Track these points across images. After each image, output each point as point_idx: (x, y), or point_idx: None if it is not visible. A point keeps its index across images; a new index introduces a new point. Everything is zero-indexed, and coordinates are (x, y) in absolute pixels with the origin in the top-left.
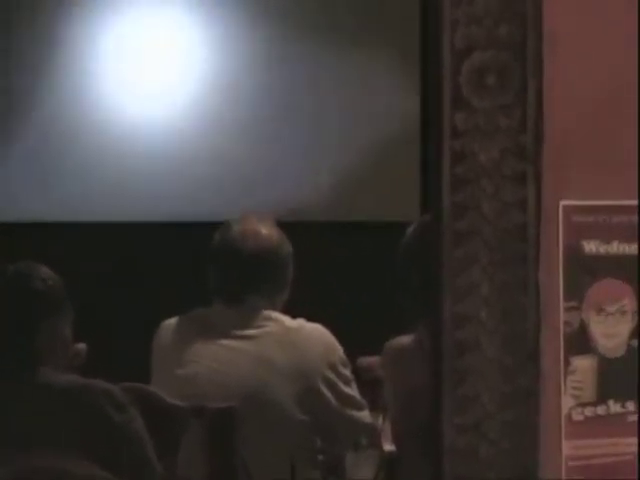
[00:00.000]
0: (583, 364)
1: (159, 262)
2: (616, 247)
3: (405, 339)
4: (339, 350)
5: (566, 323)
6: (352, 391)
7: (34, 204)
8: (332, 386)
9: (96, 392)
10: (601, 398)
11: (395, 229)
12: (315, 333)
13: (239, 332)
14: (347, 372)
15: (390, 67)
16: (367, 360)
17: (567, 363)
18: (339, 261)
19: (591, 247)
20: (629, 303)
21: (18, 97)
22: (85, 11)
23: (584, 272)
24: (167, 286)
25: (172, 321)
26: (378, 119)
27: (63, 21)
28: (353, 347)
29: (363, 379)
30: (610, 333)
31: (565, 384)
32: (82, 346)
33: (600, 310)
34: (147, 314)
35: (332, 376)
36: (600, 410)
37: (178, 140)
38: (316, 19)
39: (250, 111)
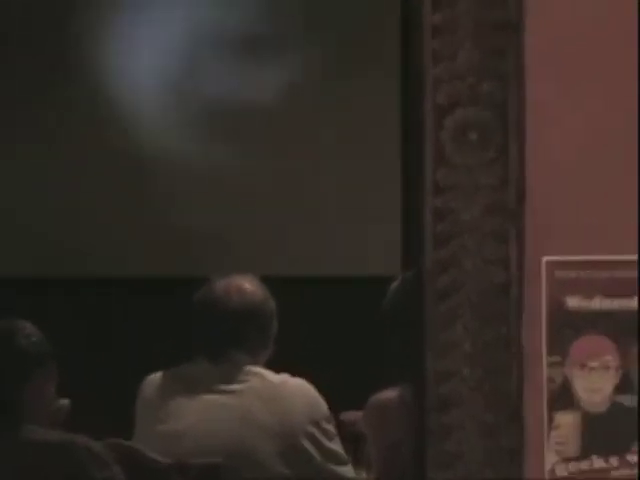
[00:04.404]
0: (566, 419)
1: (142, 318)
2: (599, 302)
3: (388, 394)
4: (323, 406)
5: (549, 379)
6: (336, 446)
7: (15, 259)
8: (315, 442)
9: (78, 448)
10: (584, 453)
11: (377, 284)
12: (298, 389)
13: (222, 387)
14: (331, 427)
15: (370, 121)
16: (350, 415)
17: (550, 419)
18: (323, 316)
19: (574, 302)
20: (612, 359)
21: None
22: None
23: (567, 327)
24: (151, 342)
25: (156, 376)
26: (359, 173)
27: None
28: (336, 402)
29: (346, 434)
30: (593, 388)
31: (549, 440)
32: (65, 402)
33: (583, 365)
34: (131, 369)
35: (315, 432)
36: (584, 465)
37: (162, 199)
38: (297, 70)
39: (228, 165)
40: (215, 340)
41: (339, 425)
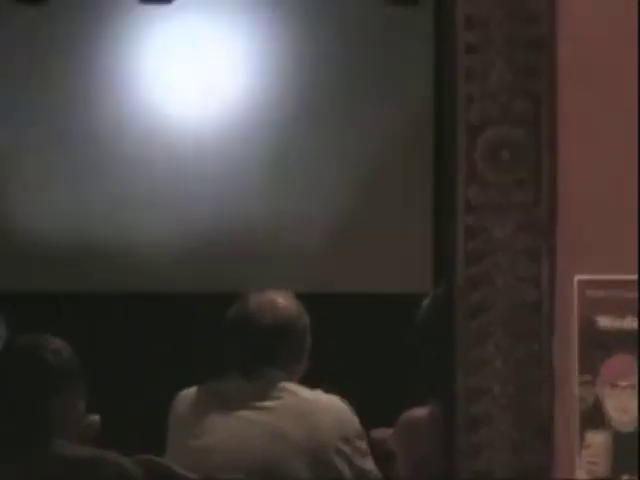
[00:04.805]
0: (597, 439)
1: (175, 333)
2: (630, 322)
3: (419, 411)
4: (354, 422)
5: (580, 398)
6: (367, 463)
7: (44, 275)
8: (346, 458)
9: (108, 464)
10: (615, 473)
11: (408, 300)
12: (330, 404)
13: (255, 404)
14: (363, 445)
15: (404, 138)
16: (380, 432)
17: (582, 438)
18: (354, 333)
19: (605, 322)
20: None
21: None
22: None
23: (598, 347)
24: (183, 357)
25: (189, 392)
26: (392, 190)
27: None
28: (366, 419)
29: (376, 451)
30: (624, 407)
31: (580, 459)
32: (95, 418)
33: (614, 385)
34: (163, 385)
35: (346, 449)
36: None
37: (195, 215)
38: (328, 98)
39: (263, 187)
40: (248, 356)
41: (369, 442)
